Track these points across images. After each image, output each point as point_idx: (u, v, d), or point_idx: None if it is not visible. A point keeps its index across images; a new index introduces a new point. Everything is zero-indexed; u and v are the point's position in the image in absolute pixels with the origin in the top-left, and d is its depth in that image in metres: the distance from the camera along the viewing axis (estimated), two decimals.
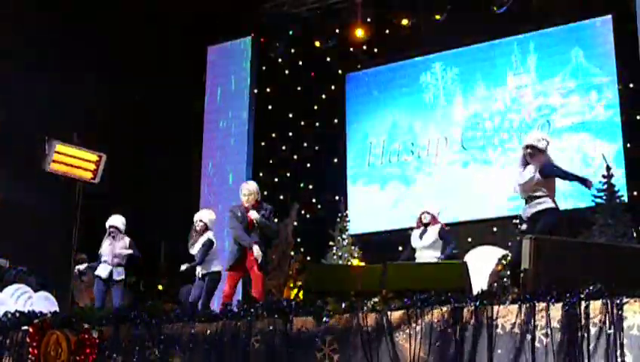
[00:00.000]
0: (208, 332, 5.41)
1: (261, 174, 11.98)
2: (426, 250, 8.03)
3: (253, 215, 7.56)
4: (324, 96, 13.10)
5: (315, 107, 13.08)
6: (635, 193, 10.24)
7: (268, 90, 12.81)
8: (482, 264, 8.55)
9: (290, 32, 12.71)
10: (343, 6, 12.08)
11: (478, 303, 4.57)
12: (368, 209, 12.18)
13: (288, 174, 12.66)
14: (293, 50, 12.90)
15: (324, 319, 4.99)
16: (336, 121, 12.96)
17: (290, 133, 12.92)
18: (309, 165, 12.93)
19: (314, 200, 12.77)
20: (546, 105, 11.27)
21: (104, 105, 11.39)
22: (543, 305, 4.38)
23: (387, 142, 12.47)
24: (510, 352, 4.40)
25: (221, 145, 12.49)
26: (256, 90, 12.55)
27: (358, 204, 12.28)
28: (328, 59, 12.88)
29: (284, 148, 12.85)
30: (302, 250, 12.00)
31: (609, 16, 10.86)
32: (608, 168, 9.69)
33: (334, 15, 12.24)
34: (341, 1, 12.14)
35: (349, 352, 4.89)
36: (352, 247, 11.26)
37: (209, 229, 8.33)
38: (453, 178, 11.70)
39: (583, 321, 4.22)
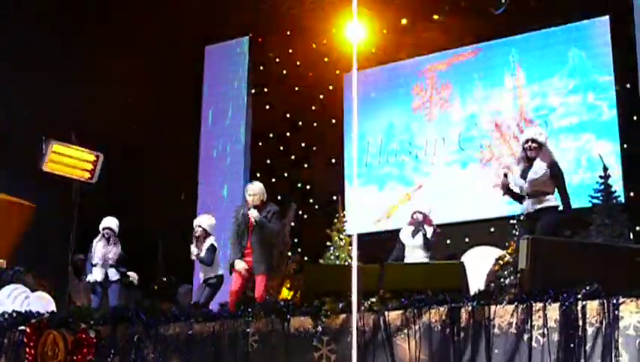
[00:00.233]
0: (206, 332, 5.42)
1: (258, 174, 11.97)
2: (418, 249, 8.15)
3: (252, 213, 7.58)
4: (321, 96, 13.10)
5: (313, 107, 13.08)
6: (632, 193, 10.25)
7: (265, 89, 12.81)
8: (480, 264, 8.55)
9: (288, 32, 12.72)
10: (341, 6, 12.06)
11: (475, 303, 4.58)
12: (366, 209, 12.17)
13: (286, 174, 12.66)
14: (290, 50, 12.90)
15: (322, 319, 5.00)
16: (333, 121, 12.96)
17: (288, 133, 12.92)
18: (306, 165, 12.94)
19: (311, 201, 12.78)
20: (543, 106, 11.28)
21: (101, 105, 11.38)
22: (539, 305, 4.40)
23: (384, 142, 12.48)
24: (507, 352, 4.41)
25: (218, 144, 12.47)
26: (253, 90, 12.54)
27: (356, 204, 12.27)
28: (326, 59, 12.88)
29: (281, 148, 12.84)
30: (299, 250, 12.01)
31: (606, 17, 10.87)
32: (605, 168, 9.69)
33: (332, 14, 12.23)
34: (339, 0, 12.13)
35: (346, 352, 4.90)
36: (350, 247, 11.26)
37: (210, 235, 8.36)
38: (451, 178, 11.71)
39: (580, 321, 4.24)
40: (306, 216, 12.54)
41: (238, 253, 7.77)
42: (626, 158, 10.44)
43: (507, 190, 6.53)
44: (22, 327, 6.24)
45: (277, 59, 12.86)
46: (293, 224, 12.01)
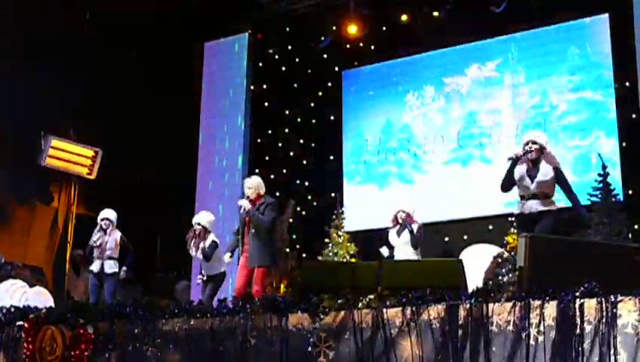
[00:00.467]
0: (204, 328, 5.42)
1: (257, 171, 11.96)
2: (406, 247, 8.26)
3: (243, 202, 7.60)
4: (320, 93, 13.11)
5: (312, 104, 13.09)
6: (631, 192, 10.27)
7: (264, 86, 12.81)
8: (478, 262, 8.55)
9: (287, 29, 12.72)
10: (340, 2, 12.06)
11: (473, 301, 4.58)
12: (364, 206, 12.18)
13: (284, 171, 12.66)
14: (290, 47, 12.89)
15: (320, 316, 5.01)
16: (332, 117, 12.96)
17: (287, 130, 12.92)
18: (305, 162, 12.94)
19: (310, 197, 12.78)
20: (542, 104, 11.29)
21: (100, 101, 11.38)
22: (538, 303, 4.40)
23: (383, 139, 12.48)
24: (505, 350, 4.42)
25: (217, 141, 12.47)
26: (252, 87, 12.54)
27: (354, 201, 12.28)
28: (325, 55, 12.88)
29: (280, 144, 12.84)
30: (297, 246, 12.02)
31: (606, 15, 10.88)
32: (604, 167, 9.71)
33: (331, 11, 12.23)
34: None
35: (344, 349, 4.90)
36: (348, 244, 11.27)
37: (209, 231, 8.36)
38: (449, 176, 11.71)
39: (578, 319, 4.24)
40: (304, 213, 12.55)
41: (230, 246, 7.84)
42: (625, 157, 10.45)
43: (514, 164, 6.55)
44: (20, 322, 6.23)
45: (276, 56, 12.85)
46: (291, 220, 12.03)
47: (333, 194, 12.29)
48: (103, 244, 8.62)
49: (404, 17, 11.89)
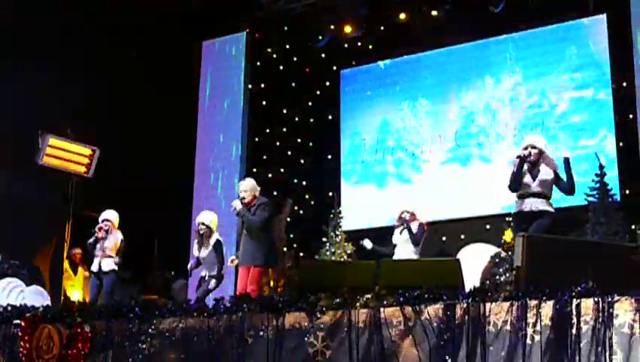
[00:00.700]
0: (201, 327, 5.41)
1: (255, 170, 11.97)
2: (406, 244, 8.38)
3: (235, 203, 7.62)
4: (318, 92, 13.11)
5: (310, 103, 13.09)
6: (628, 191, 10.29)
7: (262, 85, 12.80)
8: (475, 261, 8.56)
9: (285, 28, 12.71)
10: (338, 2, 12.06)
11: (470, 300, 4.58)
12: (361, 205, 12.18)
13: (282, 170, 12.66)
14: (287, 46, 12.89)
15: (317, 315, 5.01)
16: (330, 117, 12.96)
17: (285, 129, 12.91)
18: (302, 161, 12.94)
19: (307, 197, 12.78)
20: (540, 104, 11.30)
21: (100, 101, 11.37)
22: (534, 302, 4.40)
23: (381, 139, 12.48)
24: (502, 349, 4.42)
25: (215, 140, 12.46)
26: (250, 86, 12.53)
27: (351, 201, 12.29)
28: (323, 55, 12.88)
29: (278, 144, 12.84)
30: (295, 246, 12.01)
31: (603, 16, 10.89)
32: (601, 166, 9.72)
33: (329, 11, 12.23)
34: None
35: (341, 348, 4.90)
36: (346, 244, 11.27)
37: (214, 231, 8.37)
38: (447, 175, 11.72)
39: (575, 319, 4.24)
40: (302, 212, 12.55)
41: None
42: (621, 156, 10.46)
43: (523, 163, 6.59)
44: (16, 321, 6.22)
45: (274, 55, 12.85)
46: (289, 220, 12.02)
47: (330, 194, 12.29)
48: (102, 244, 8.67)
49: (402, 17, 11.89)
